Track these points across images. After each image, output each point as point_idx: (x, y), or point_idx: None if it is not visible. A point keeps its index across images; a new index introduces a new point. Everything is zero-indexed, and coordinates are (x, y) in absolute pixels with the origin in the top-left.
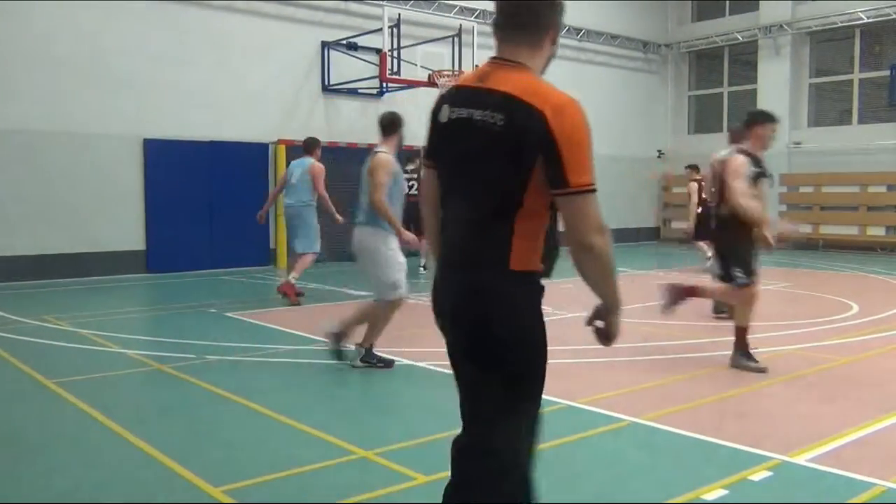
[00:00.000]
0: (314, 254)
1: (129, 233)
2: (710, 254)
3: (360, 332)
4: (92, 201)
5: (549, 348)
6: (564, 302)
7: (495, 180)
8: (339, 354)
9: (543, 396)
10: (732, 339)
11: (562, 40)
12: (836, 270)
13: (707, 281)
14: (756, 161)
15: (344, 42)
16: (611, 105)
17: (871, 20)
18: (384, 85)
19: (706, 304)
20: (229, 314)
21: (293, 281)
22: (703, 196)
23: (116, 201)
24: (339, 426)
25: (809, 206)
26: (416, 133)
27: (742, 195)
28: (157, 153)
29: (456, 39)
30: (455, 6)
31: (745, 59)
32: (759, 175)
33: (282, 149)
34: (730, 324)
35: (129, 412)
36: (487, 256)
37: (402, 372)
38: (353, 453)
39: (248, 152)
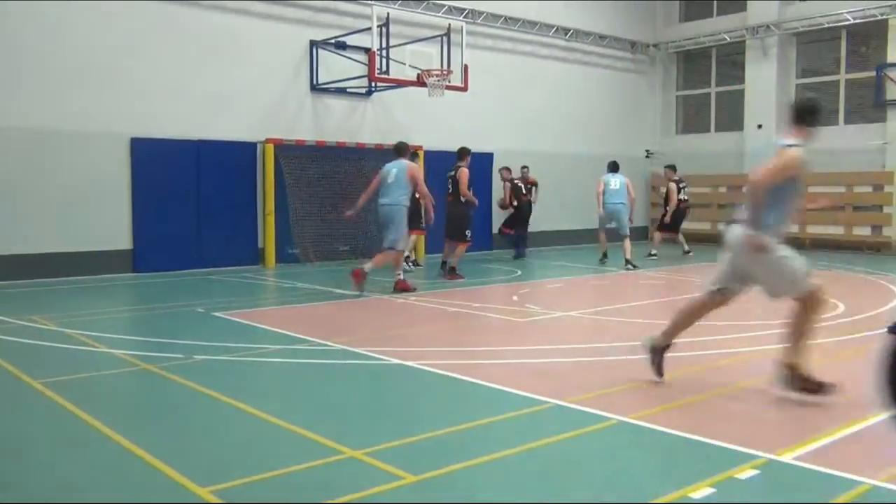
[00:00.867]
0: (397, 252)
1: (116, 232)
2: (686, 247)
3: (793, 352)
4: (79, 200)
5: (537, 347)
6: (554, 301)
7: None
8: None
9: (531, 396)
10: (717, 338)
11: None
12: (822, 270)
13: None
14: None
15: (332, 41)
16: (599, 105)
17: (857, 21)
18: (373, 84)
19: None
20: (217, 314)
21: (367, 269)
22: (681, 196)
23: (103, 200)
24: (328, 426)
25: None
26: (408, 134)
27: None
28: (145, 152)
29: (445, 39)
30: (444, 5)
31: (732, 60)
32: None
33: (270, 148)
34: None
35: (116, 412)
36: None
37: (391, 371)
38: (341, 453)
39: (237, 151)
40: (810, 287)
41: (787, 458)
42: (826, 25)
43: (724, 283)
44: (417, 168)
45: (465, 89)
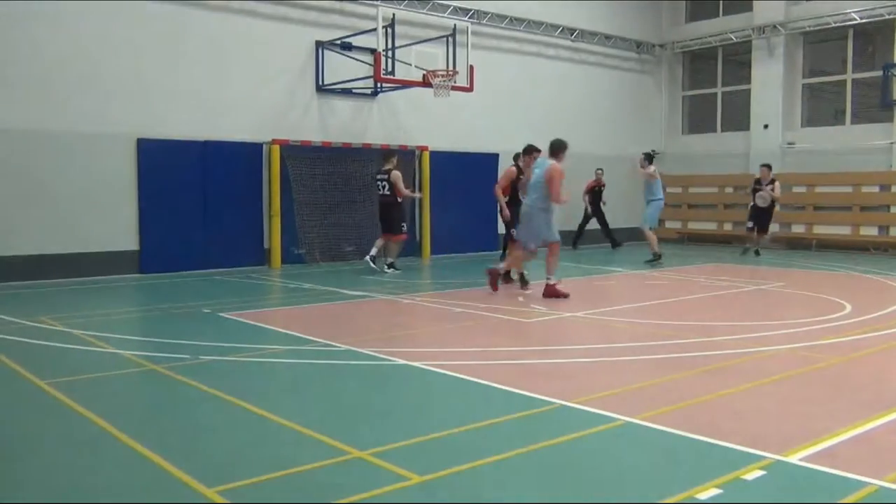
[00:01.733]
0: (531, 250)
1: (122, 233)
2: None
3: None
4: (85, 201)
5: (543, 348)
6: (558, 302)
7: None
8: None
9: (536, 396)
10: (723, 338)
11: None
12: (829, 270)
13: None
14: None
15: (338, 42)
16: (605, 105)
17: (863, 20)
18: (378, 85)
19: (696, 305)
20: (223, 314)
21: (502, 268)
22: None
23: (110, 201)
24: (334, 426)
25: (803, 206)
26: (412, 134)
27: None
28: (151, 153)
29: (450, 39)
30: (449, 6)
31: (738, 60)
32: None
33: (276, 148)
34: (720, 323)
35: (123, 412)
36: None
37: (397, 372)
38: (347, 453)
39: (243, 152)
40: None
41: (793, 458)
42: (833, 25)
43: None
44: (558, 170)
45: (470, 90)
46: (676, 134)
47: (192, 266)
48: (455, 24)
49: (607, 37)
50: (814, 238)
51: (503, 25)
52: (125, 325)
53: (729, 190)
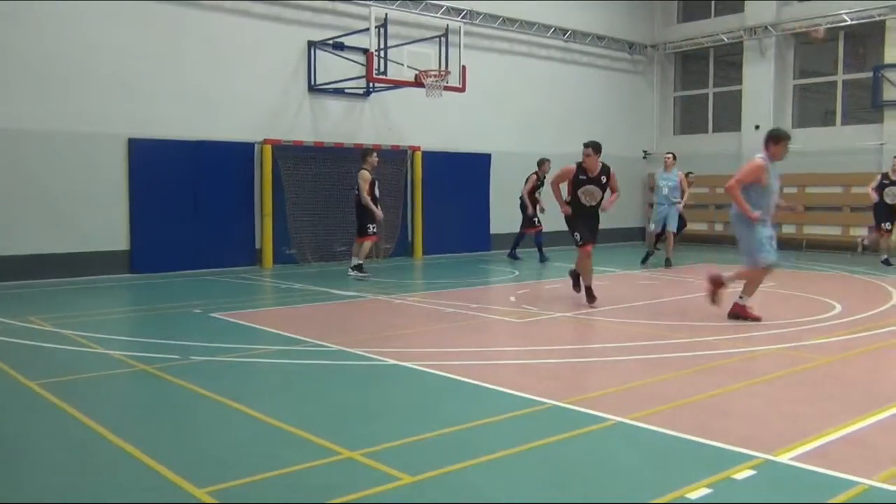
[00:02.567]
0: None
1: (113, 233)
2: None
3: None
4: (76, 201)
5: (535, 348)
6: (552, 302)
7: None
8: None
9: (528, 396)
10: (714, 338)
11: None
12: (819, 271)
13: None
14: None
15: (330, 42)
16: (596, 106)
17: (854, 22)
18: (371, 85)
19: (688, 305)
20: (214, 314)
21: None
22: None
23: (100, 201)
24: (325, 426)
25: (793, 207)
26: (404, 134)
27: None
28: (142, 153)
29: (443, 39)
30: (442, 6)
31: (730, 61)
32: None
33: (268, 148)
34: (711, 323)
35: (113, 413)
36: None
37: (388, 372)
38: (338, 454)
39: (234, 152)
40: None
41: (784, 458)
42: (824, 26)
43: None
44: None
45: (462, 90)
46: (668, 134)
47: (183, 266)
48: (447, 25)
49: (599, 37)
50: (804, 238)
51: (495, 26)
52: (115, 326)
53: (720, 190)
